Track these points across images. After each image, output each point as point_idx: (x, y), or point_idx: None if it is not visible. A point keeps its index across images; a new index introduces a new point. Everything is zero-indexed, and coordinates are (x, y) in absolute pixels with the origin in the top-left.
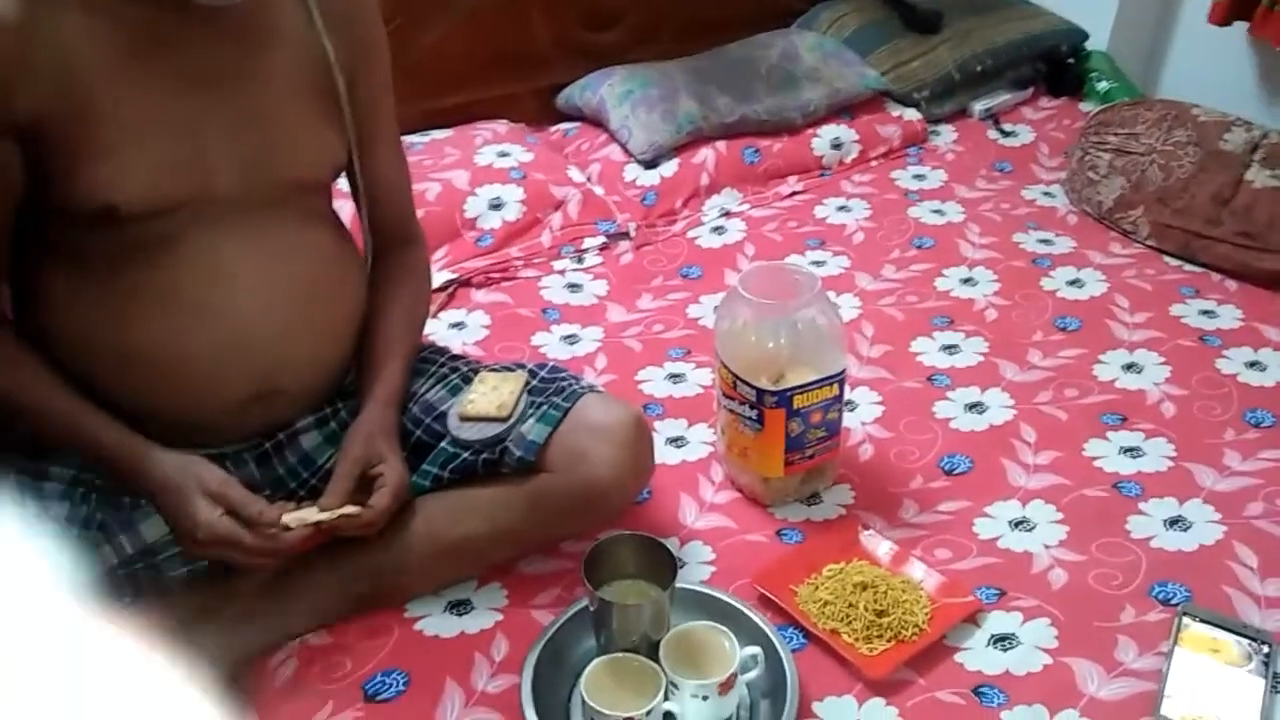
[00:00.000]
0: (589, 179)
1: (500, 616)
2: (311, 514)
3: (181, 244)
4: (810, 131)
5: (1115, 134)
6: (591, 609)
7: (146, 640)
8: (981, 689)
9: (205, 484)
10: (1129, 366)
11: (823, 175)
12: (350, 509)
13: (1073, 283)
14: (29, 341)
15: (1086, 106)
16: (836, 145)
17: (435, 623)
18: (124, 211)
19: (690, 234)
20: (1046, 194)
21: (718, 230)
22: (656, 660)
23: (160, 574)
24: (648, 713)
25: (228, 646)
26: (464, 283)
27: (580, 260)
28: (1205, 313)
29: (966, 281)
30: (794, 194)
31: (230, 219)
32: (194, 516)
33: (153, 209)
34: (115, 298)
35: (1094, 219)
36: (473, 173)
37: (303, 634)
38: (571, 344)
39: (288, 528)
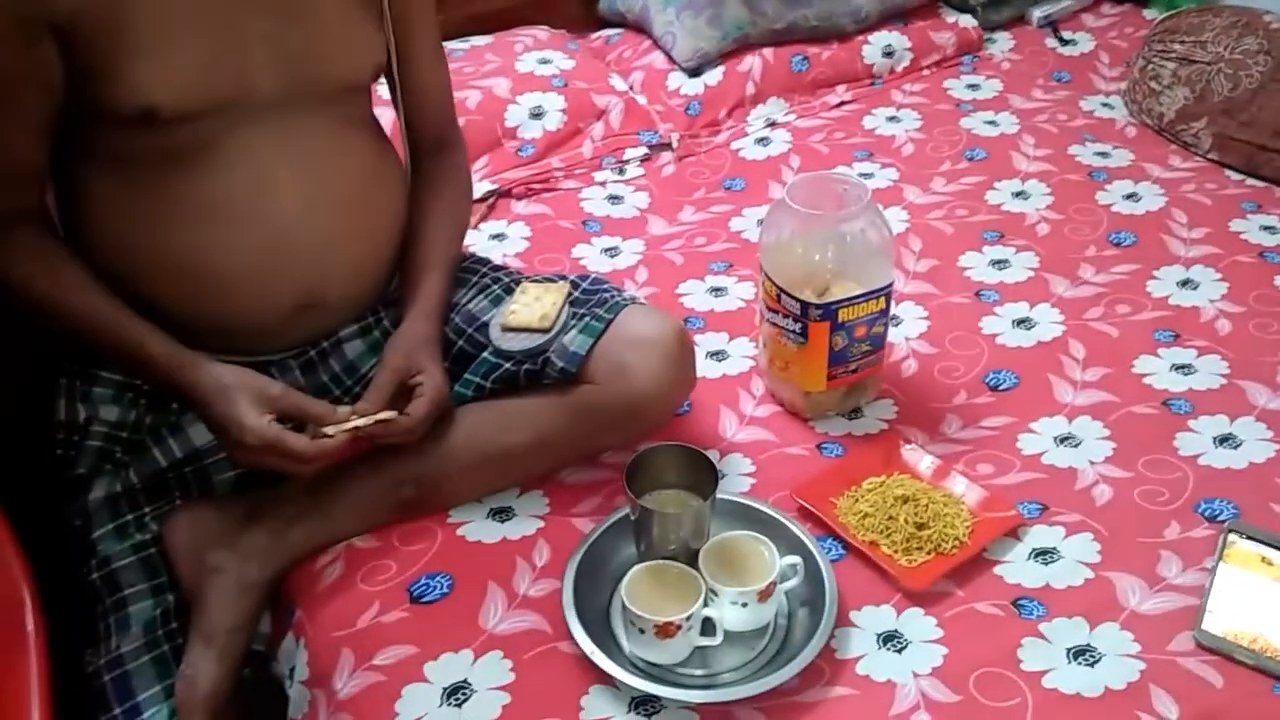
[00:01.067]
0: (631, 88)
1: (541, 524)
2: (349, 419)
3: (222, 149)
4: (861, 38)
5: (1181, 42)
6: (633, 517)
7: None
8: (1021, 601)
9: (259, 391)
10: (1184, 283)
11: (873, 84)
12: (387, 414)
13: (1129, 197)
14: (74, 248)
15: (1151, 13)
16: (888, 53)
17: (478, 528)
18: (164, 113)
19: (734, 145)
20: (1105, 105)
21: (762, 141)
22: (696, 569)
23: (208, 478)
24: (688, 618)
25: (275, 549)
26: (504, 193)
27: (622, 171)
28: (1266, 228)
29: (1019, 195)
30: (842, 104)
31: (271, 123)
32: (242, 421)
33: (193, 110)
34: (158, 204)
35: (1154, 131)
36: (513, 80)
37: (349, 538)
38: (612, 257)
39: (327, 435)
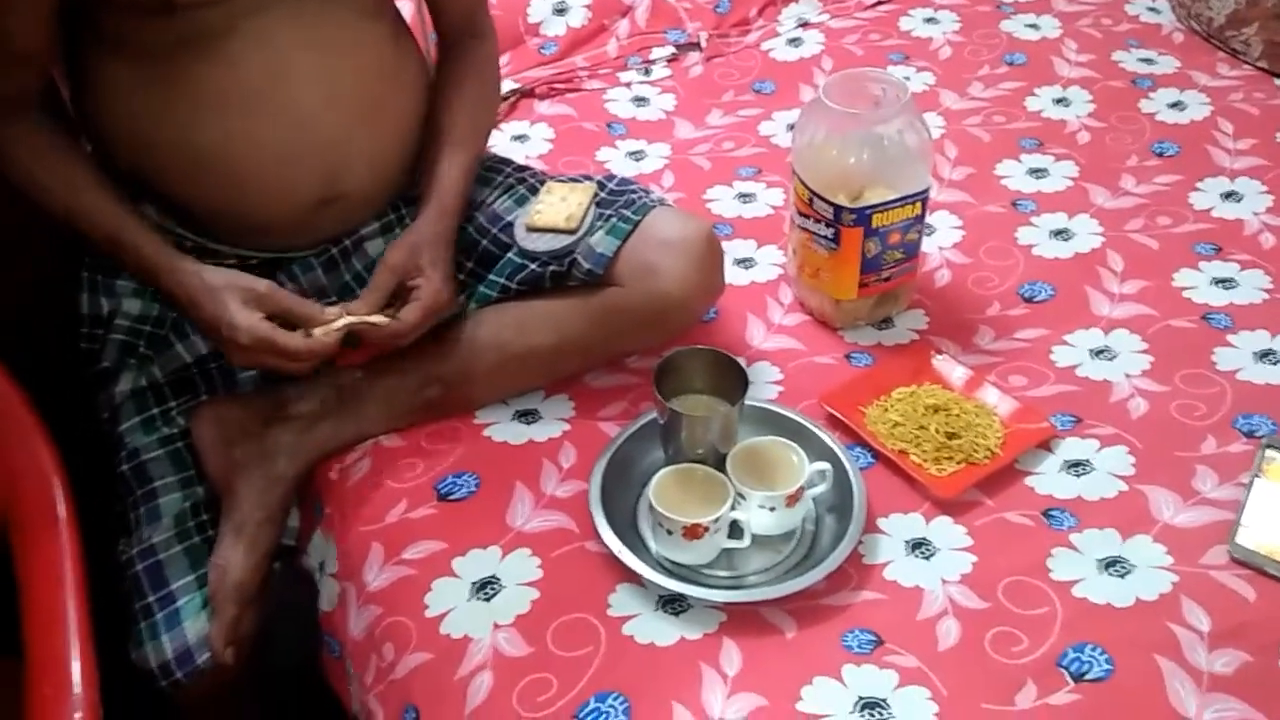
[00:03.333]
0: None
1: (567, 426)
2: (339, 318)
3: (237, 37)
4: None
5: None
6: (661, 421)
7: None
8: (1051, 511)
9: (247, 289)
10: (1228, 195)
11: None
12: (376, 318)
13: (1174, 105)
14: (90, 138)
15: None
16: None
17: (504, 430)
18: (181, 0)
19: (764, 45)
20: (1151, 9)
21: (794, 42)
22: (724, 472)
23: (233, 374)
24: (715, 520)
25: (301, 445)
26: (527, 93)
27: (648, 72)
28: None
29: (1059, 102)
30: (878, 3)
31: (286, 11)
32: (232, 320)
33: None
34: (173, 95)
35: (1201, 37)
36: None
37: (375, 436)
38: (637, 160)
39: (310, 335)
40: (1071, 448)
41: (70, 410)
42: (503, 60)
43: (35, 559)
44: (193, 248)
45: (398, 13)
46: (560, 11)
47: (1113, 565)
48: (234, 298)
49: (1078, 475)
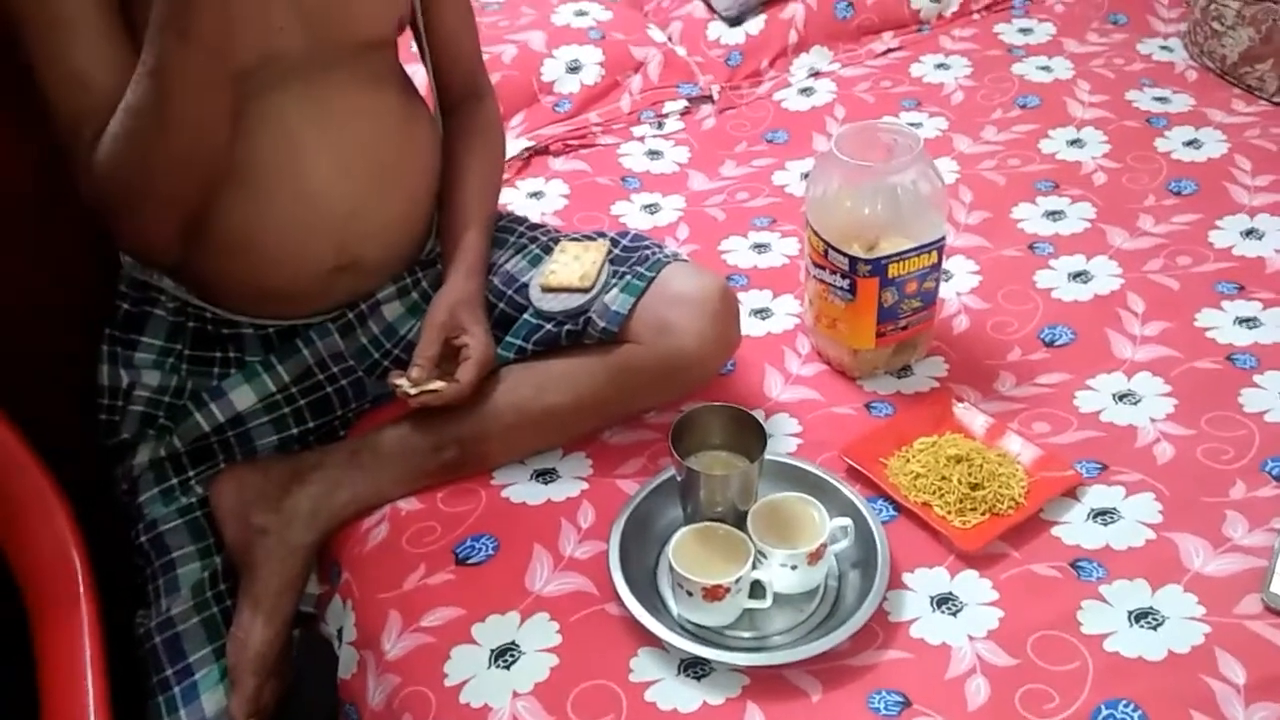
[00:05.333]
0: (670, 38)
1: (585, 485)
2: (400, 388)
3: (247, 115)
4: None
5: None
6: (679, 479)
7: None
8: (1080, 563)
9: None
10: (1248, 232)
11: (920, 30)
12: (436, 384)
13: (1190, 143)
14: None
15: None
16: None
17: (522, 490)
18: None
19: (776, 96)
20: (1164, 48)
21: (806, 92)
22: (744, 530)
23: (251, 441)
24: (736, 580)
25: (319, 511)
26: (541, 150)
27: (661, 126)
28: None
29: (1074, 143)
30: (889, 51)
31: (296, 85)
32: None
33: None
34: None
35: (1215, 74)
36: (549, 33)
37: (393, 500)
38: (652, 213)
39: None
40: (1098, 495)
41: (89, 483)
42: (517, 118)
43: (55, 636)
44: (211, 318)
45: (406, 78)
46: (574, 70)
47: (1144, 617)
48: None
49: (1105, 524)
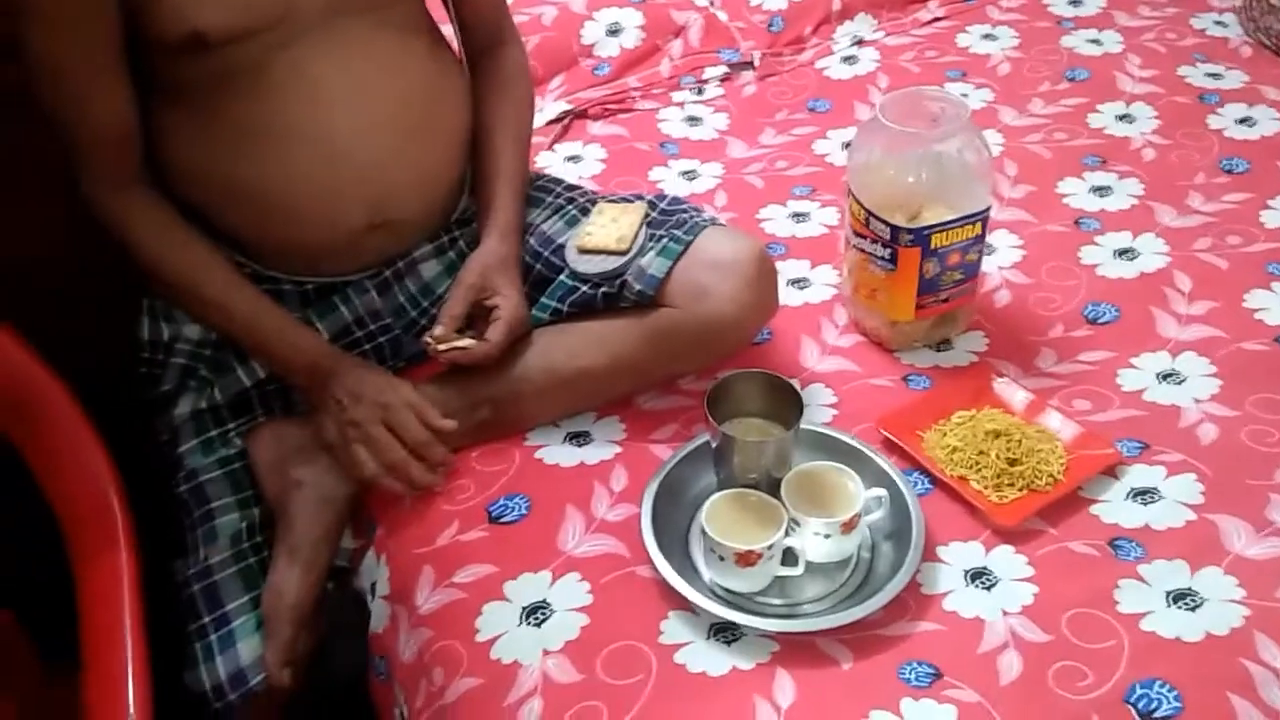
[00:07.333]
0: (711, 3)
1: (619, 449)
2: (429, 344)
3: (273, 70)
4: None
5: None
6: (714, 444)
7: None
8: (1118, 541)
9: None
10: None
11: (967, 0)
12: (464, 342)
13: (1243, 121)
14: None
15: None
16: None
17: (555, 452)
18: (211, 37)
19: (819, 64)
20: (1218, 23)
21: (849, 60)
22: (778, 498)
23: (290, 395)
24: (769, 547)
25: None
26: (580, 114)
27: (700, 92)
28: None
29: (1123, 118)
30: (934, 20)
31: (319, 39)
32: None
33: (238, 31)
34: (215, 132)
35: (1271, 51)
36: None
37: None
38: (690, 180)
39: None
40: (1138, 475)
41: (130, 433)
42: (556, 81)
43: (94, 579)
44: (250, 274)
45: (435, 27)
46: (614, 33)
47: (1182, 598)
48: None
49: (1145, 504)
